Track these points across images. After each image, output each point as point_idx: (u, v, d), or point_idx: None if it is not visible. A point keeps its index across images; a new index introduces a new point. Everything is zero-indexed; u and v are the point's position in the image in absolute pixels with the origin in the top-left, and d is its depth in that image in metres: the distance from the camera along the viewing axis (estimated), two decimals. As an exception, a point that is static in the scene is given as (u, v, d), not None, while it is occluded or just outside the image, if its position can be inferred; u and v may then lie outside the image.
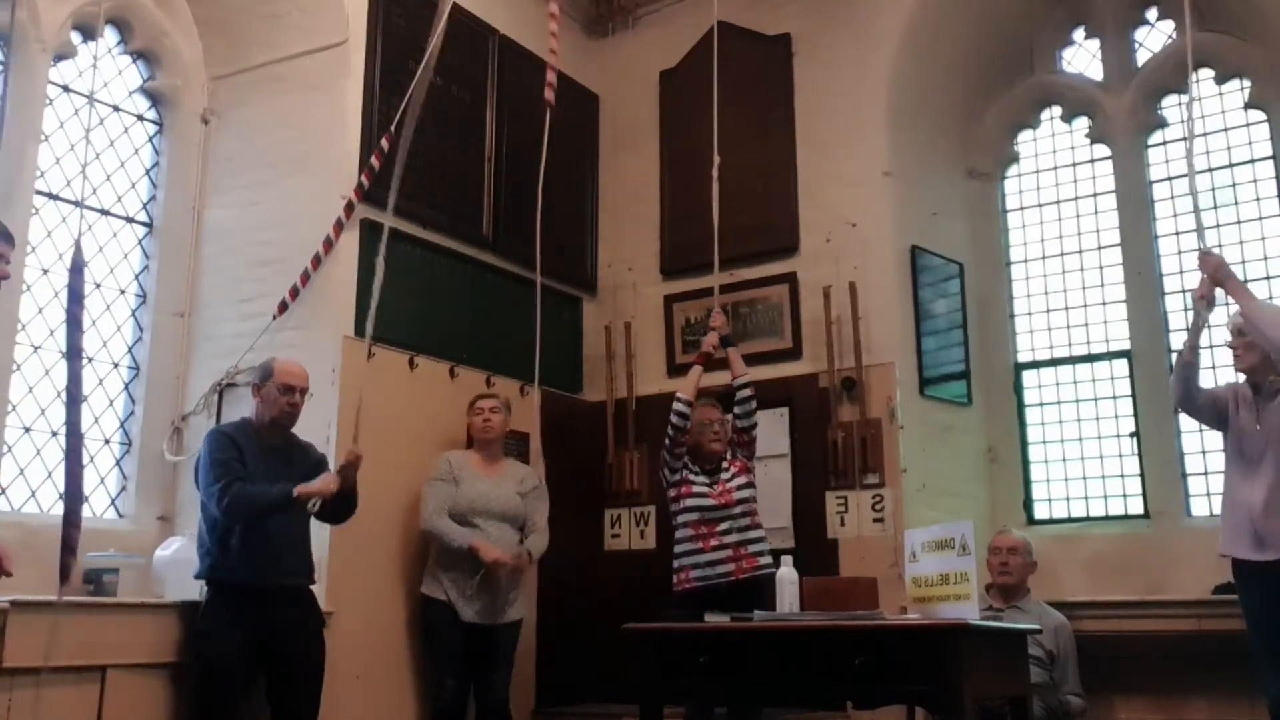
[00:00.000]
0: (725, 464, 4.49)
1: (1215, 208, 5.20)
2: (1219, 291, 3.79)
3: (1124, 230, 5.42)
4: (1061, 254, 5.58)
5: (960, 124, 5.79)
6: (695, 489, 4.45)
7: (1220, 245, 5.14)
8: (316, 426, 4.16)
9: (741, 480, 4.47)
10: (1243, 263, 5.08)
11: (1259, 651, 3.59)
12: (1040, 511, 5.41)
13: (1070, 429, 5.39)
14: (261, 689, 3.82)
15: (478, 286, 5.23)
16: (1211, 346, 4.58)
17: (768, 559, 4.37)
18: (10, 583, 3.20)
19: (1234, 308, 3.80)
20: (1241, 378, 3.86)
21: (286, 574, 3.80)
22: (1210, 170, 5.25)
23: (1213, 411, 3.86)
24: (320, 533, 4.10)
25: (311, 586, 3.95)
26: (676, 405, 4.50)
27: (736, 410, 4.56)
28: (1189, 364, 3.84)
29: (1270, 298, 4.94)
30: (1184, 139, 4.66)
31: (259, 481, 3.75)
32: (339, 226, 4.58)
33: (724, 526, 4.36)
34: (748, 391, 4.57)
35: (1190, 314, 3.91)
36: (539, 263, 4.76)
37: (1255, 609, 3.60)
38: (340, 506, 3.92)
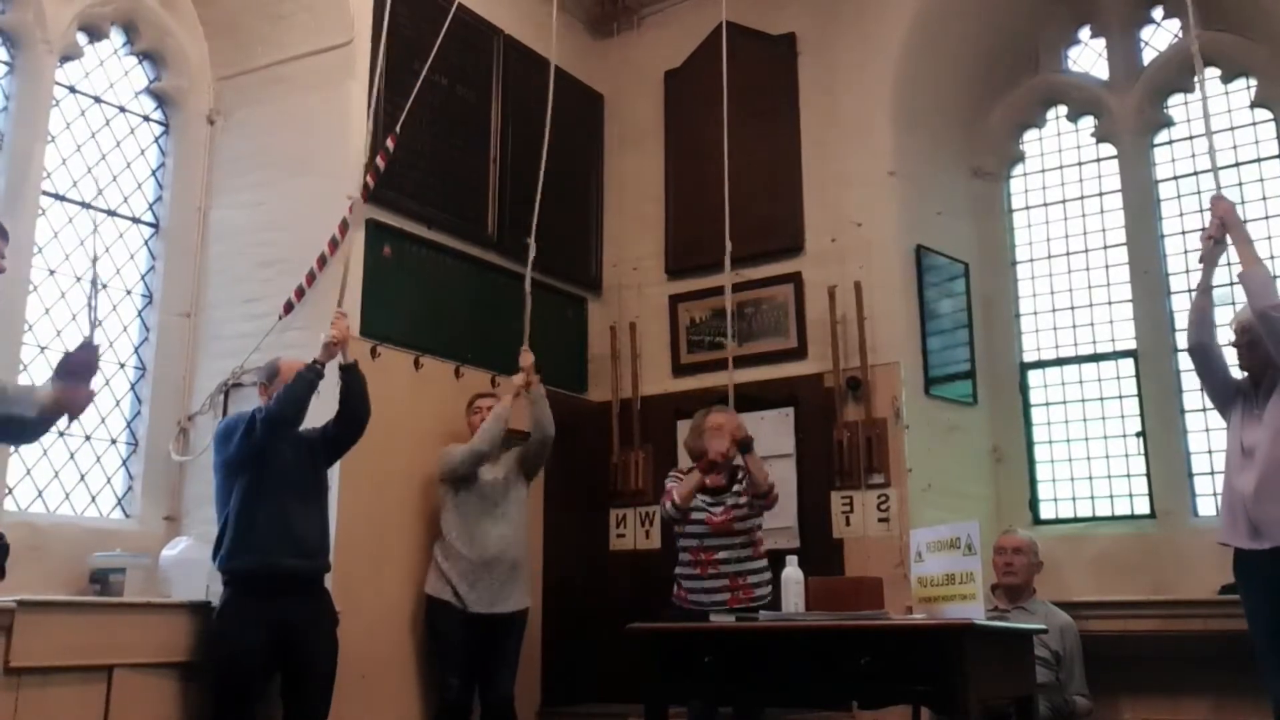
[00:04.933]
0: (736, 489, 4.37)
1: (1217, 198, 5.18)
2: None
3: (1130, 229, 5.41)
4: (1067, 253, 5.57)
5: (965, 123, 5.78)
6: (695, 514, 4.36)
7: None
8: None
9: (746, 511, 4.34)
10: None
11: (1261, 648, 3.59)
12: (1046, 511, 5.40)
13: (1076, 429, 5.38)
14: (275, 685, 3.84)
15: (483, 286, 5.23)
16: (1218, 326, 4.57)
17: (766, 589, 4.30)
18: (16, 583, 3.21)
19: (1241, 303, 3.78)
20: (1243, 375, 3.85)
21: (304, 555, 3.81)
22: (1215, 169, 5.22)
23: (1223, 377, 3.82)
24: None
25: (326, 576, 3.97)
26: (666, 506, 4.36)
27: (760, 505, 4.34)
28: (1203, 307, 3.81)
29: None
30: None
31: (271, 468, 3.79)
32: (344, 226, 4.58)
33: (722, 555, 4.28)
34: (771, 498, 4.32)
35: (1201, 253, 3.87)
36: (532, 257, 4.74)
37: (1256, 602, 3.60)
38: (351, 402, 4.01)
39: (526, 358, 4.66)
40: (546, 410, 4.74)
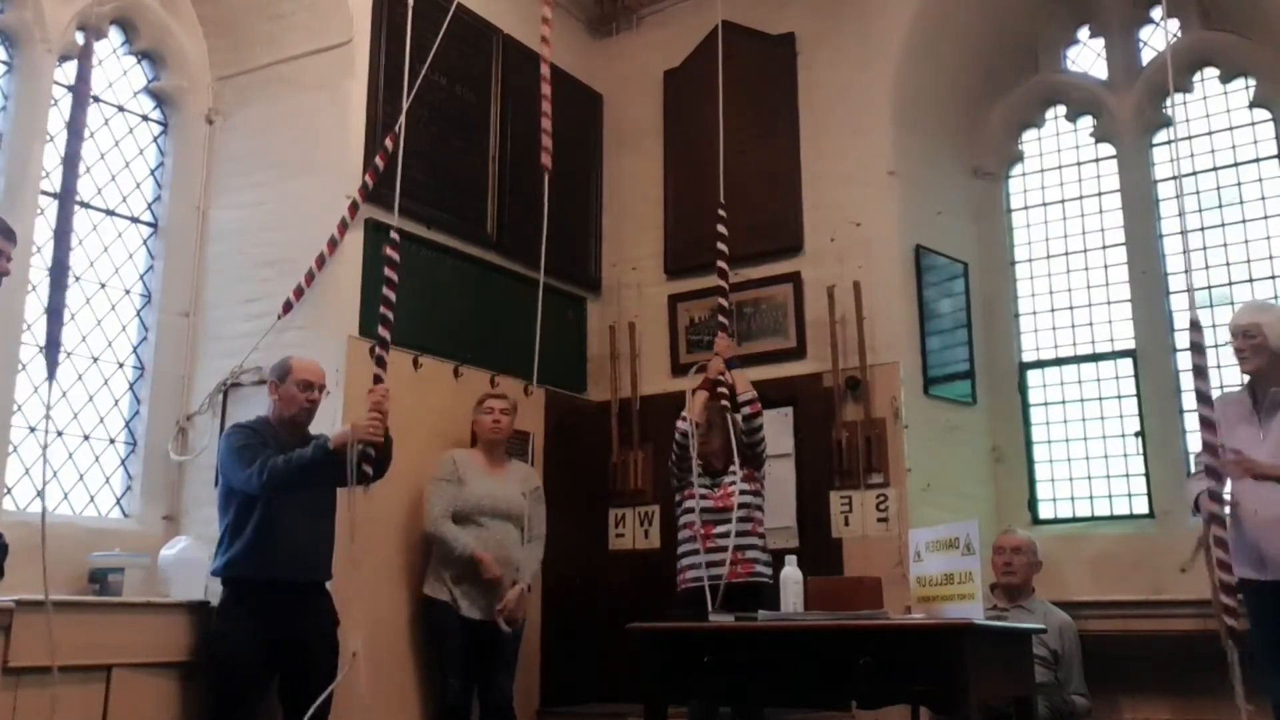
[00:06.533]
0: (733, 469, 4.50)
1: (1220, 206, 5.20)
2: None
3: (1128, 229, 5.41)
4: (1066, 253, 5.58)
5: (965, 123, 5.79)
6: (697, 491, 4.47)
7: (1225, 244, 5.14)
8: (321, 426, 4.15)
9: (745, 486, 4.49)
10: (1247, 262, 5.08)
11: (1262, 650, 3.59)
12: (1045, 511, 5.40)
13: (1075, 428, 5.38)
14: (274, 687, 3.83)
15: (482, 286, 5.23)
16: (1216, 346, 4.57)
17: (764, 568, 4.39)
18: (14, 583, 3.21)
19: (1240, 303, 3.76)
20: (1244, 379, 3.82)
21: (302, 570, 3.81)
22: (1215, 169, 5.24)
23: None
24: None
25: (327, 583, 3.96)
26: (680, 426, 4.54)
27: (743, 426, 4.56)
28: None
29: (1276, 297, 4.93)
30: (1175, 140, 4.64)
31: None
32: (343, 226, 4.59)
33: (722, 529, 4.36)
34: (750, 410, 4.58)
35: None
36: (543, 261, 4.73)
37: (1260, 627, 3.60)
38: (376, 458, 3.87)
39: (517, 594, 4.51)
40: (539, 558, 4.76)
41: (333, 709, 3.94)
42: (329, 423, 4.28)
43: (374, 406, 3.75)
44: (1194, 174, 5.28)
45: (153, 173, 4.91)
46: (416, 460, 4.71)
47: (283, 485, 3.70)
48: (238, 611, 3.73)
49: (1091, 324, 5.45)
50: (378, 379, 3.88)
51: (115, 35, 4.83)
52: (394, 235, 4.08)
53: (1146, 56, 5.55)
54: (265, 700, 3.82)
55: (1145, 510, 5.14)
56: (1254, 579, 3.58)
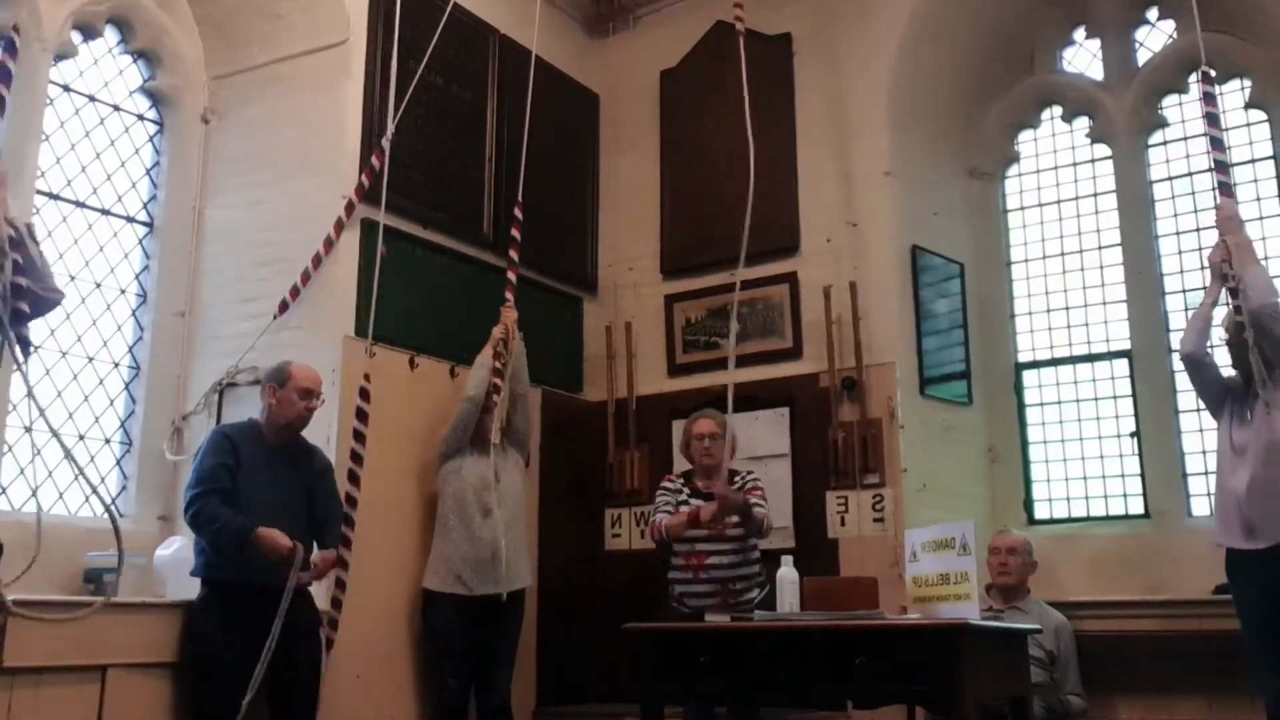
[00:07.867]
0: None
1: (1217, 207, 5.19)
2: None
3: (1124, 230, 5.42)
4: (1062, 254, 5.58)
5: (961, 124, 5.79)
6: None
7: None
8: (316, 427, 4.14)
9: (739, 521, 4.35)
10: (1243, 262, 5.08)
11: (1254, 648, 3.59)
12: (1041, 511, 5.41)
13: (1071, 429, 5.39)
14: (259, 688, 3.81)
15: (478, 286, 5.22)
16: (1212, 347, 4.57)
17: (754, 594, 4.32)
18: (11, 583, 3.19)
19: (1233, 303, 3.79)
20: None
21: (274, 573, 3.79)
22: (1211, 170, 5.24)
23: (1215, 381, 3.81)
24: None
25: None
26: (655, 535, 4.42)
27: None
28: (1207, 318, 3.82)
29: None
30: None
31: (259, 483, 3.76)
32: (339, 226, 4.58)
33: (713, 560, 4.31)
34: (765, 532, 4.37)
35: (1209, 276, 3.88)
36: (513, 244, 4.74)
37: (1248, 602, 3.61)
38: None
39: (510, 314, 4.78)
40: (524, 364, 4.87)
41: (332, 709, 3.93)
42: (324, 424, 4.28)
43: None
44: (1189, 175, 5.29)
45: (148, 172, 4.90)
46: (412, 461, 4.71)
47: (200, 532, 3.72)
48: (216, 611, 3.71)
49: (1087, 324, 5.46)
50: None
51: (111, 34, 4.82)
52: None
53: (1142, 57, 5.56)
54: (256, 701, 3.80)
55: (1141, 510, 5.14)
56: (1242, 548, 3.59)
